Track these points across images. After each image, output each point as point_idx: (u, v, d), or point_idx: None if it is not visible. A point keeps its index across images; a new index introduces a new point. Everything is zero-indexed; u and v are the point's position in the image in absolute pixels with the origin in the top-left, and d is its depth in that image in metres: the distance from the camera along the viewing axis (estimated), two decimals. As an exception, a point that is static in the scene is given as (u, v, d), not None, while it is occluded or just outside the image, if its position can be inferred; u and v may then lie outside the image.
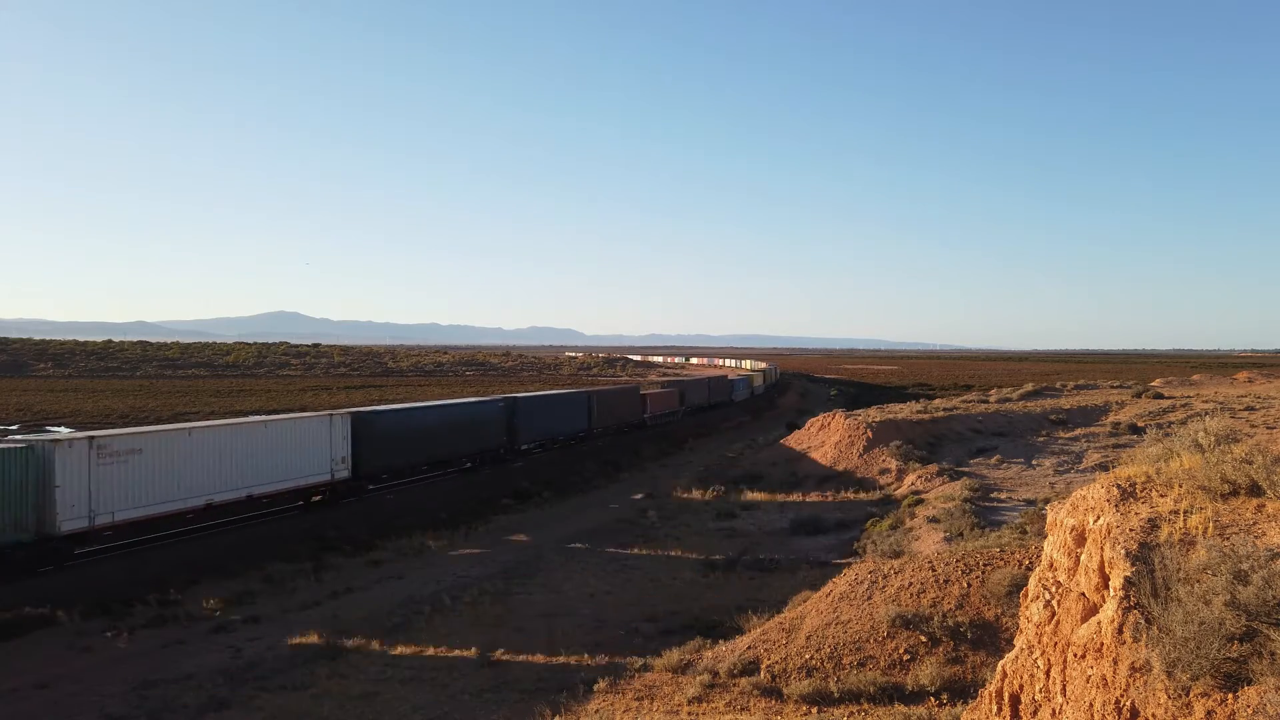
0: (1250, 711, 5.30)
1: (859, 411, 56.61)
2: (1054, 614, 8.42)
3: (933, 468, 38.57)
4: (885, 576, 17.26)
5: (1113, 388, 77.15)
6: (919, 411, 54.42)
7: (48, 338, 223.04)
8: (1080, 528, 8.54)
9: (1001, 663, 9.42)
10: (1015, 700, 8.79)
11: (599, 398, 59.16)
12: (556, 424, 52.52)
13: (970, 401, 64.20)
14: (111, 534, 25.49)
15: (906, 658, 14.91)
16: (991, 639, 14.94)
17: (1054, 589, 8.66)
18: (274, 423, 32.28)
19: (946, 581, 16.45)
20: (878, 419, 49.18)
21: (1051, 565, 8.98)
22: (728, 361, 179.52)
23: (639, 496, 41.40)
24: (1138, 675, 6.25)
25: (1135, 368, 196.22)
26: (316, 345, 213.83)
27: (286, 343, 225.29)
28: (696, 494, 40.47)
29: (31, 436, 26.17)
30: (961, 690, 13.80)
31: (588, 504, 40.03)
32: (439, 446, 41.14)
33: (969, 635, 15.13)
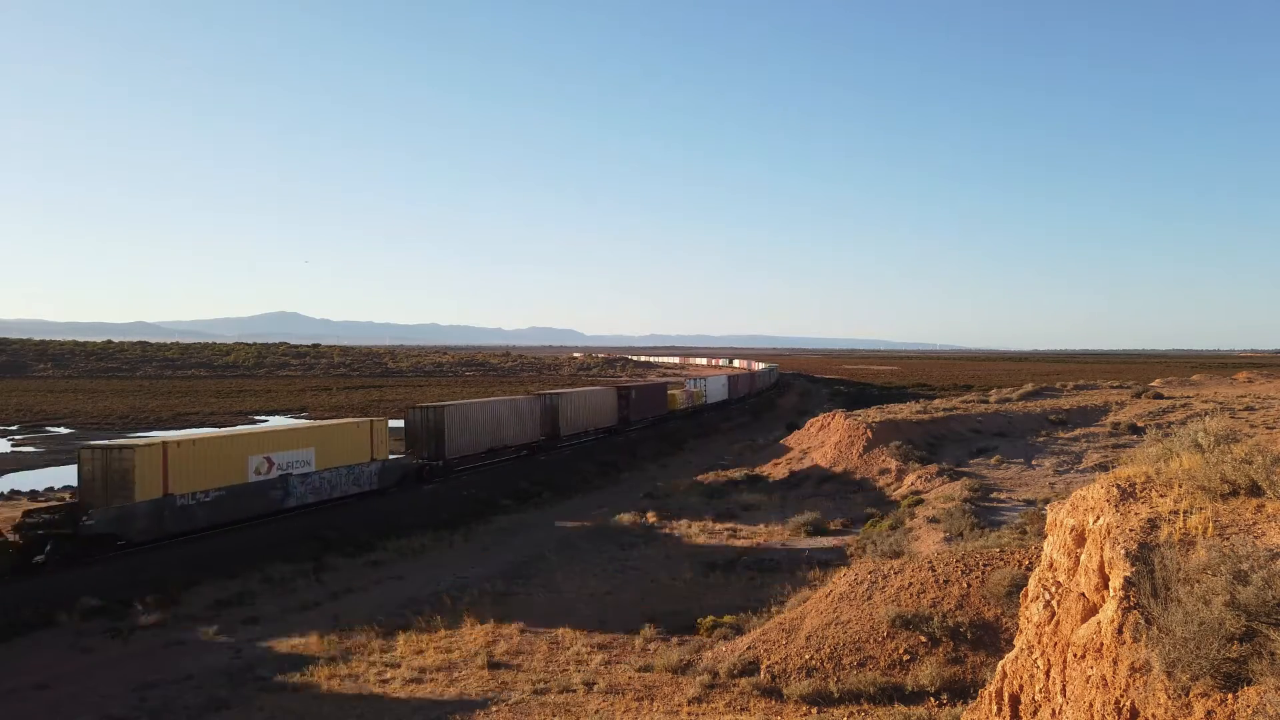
0: (1250, 712, 5.30)
1: (859, 411, 56.59)
2: (1054, 614, 8.42)
3: (933, 468, 38.55)
4: (885, 576, 17.25)
5: (1112, 388, 77.15)
6: (919, 411, 54.41)
7: (48, 338, 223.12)
8: (1080, 528, 8.54)
9: (1001, 663, 9.42)
10: (1015, 700, 8.79)
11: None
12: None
13: (970, 401, 64.18)
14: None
15: (906, 658, 14.92)
16: (991, 639, 14.94)
17: (1054, 589, 8.66)
18: None
19: (946, 582, 16.45)
20: (878, 419, 49.17)
21: (1051, 565, 8.98)
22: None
23: (639, 497, 41.40)
24: (1138, 675, 6.25)
25: (1135, 368, 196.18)
26: (316, 346, 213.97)
27: (286, 343, 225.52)
28: (696, 495, 40.44)
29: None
30: (961, 690, 13.81)
31: (587, 505, 40.02)
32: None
33: (969, 635, 15.14)
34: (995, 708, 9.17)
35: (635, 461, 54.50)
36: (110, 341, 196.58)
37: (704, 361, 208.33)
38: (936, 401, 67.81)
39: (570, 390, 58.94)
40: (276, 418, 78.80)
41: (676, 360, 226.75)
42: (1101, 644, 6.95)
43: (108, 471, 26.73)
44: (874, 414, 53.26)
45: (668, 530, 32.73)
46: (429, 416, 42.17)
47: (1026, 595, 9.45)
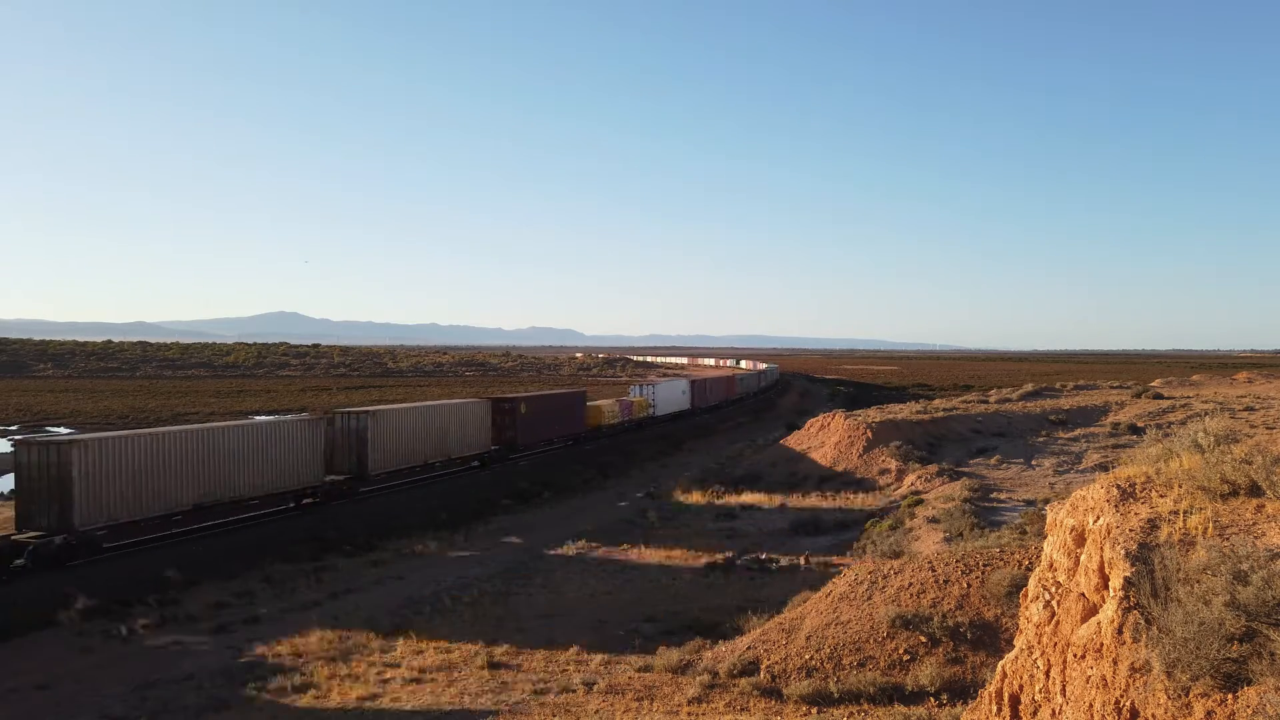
0: (1250, 712, 5.30)
1: (859, 412, 56.59)
2: (1054, 614, 8.42)
3: (933, 468, 38.56)
4: (885, 577, 17.25)
5: (1112, 388, 77.17)
6: (919, 412, 54.42)
7: (48, 338, 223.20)
8: (1080, 528, 8.54)
9: (1001, 663, 9.42)
10: (1015, 700, 8.79)
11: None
12: None
13: (970, 402, 64.21)
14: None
15: (906, 658, 14.91)
16: (991, 639, 14.94)
17: (1054, 589, 8.66)
18: None
19: (946, 582, 16.44)
20: (878, 419, 49.17)
21: (1051, 565, 8.98)
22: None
23: (639, 496, 41.37)
24: (1138, 675, 6.25)
25: (1135, 368, 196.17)
26: (316, 346, 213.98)
27: (286, 343, 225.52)
28: (696, 495, 40.44)
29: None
30: (961, 690, 13.80)
31: (587, 505, 40.01)
32: None
33: (969, 635, 15.13)
34: (995, 708, 9.17)
35: (635, 461, 53.94)
36: (110, 341, 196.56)
37: (711, 362, 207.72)
38: (936, 401, 67.85)
39: (392, 407, 42.02)
40: (275, 418, 78.37)
41: (684, 361, 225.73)
42: (1101, 644, 6.95)
43: None
44: (874, 414, 53.27)
45: (668, 530, 32.68)
46: (49, 458, 24.62)
47: (1026, 595, 9.44)
